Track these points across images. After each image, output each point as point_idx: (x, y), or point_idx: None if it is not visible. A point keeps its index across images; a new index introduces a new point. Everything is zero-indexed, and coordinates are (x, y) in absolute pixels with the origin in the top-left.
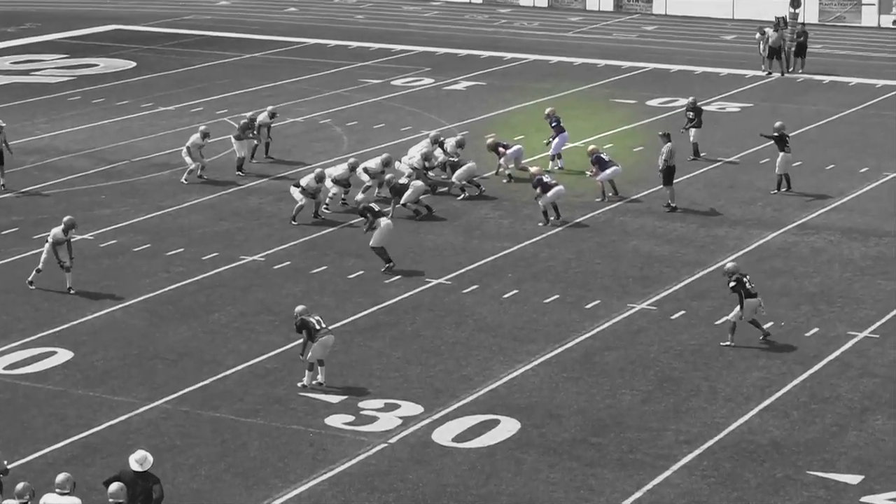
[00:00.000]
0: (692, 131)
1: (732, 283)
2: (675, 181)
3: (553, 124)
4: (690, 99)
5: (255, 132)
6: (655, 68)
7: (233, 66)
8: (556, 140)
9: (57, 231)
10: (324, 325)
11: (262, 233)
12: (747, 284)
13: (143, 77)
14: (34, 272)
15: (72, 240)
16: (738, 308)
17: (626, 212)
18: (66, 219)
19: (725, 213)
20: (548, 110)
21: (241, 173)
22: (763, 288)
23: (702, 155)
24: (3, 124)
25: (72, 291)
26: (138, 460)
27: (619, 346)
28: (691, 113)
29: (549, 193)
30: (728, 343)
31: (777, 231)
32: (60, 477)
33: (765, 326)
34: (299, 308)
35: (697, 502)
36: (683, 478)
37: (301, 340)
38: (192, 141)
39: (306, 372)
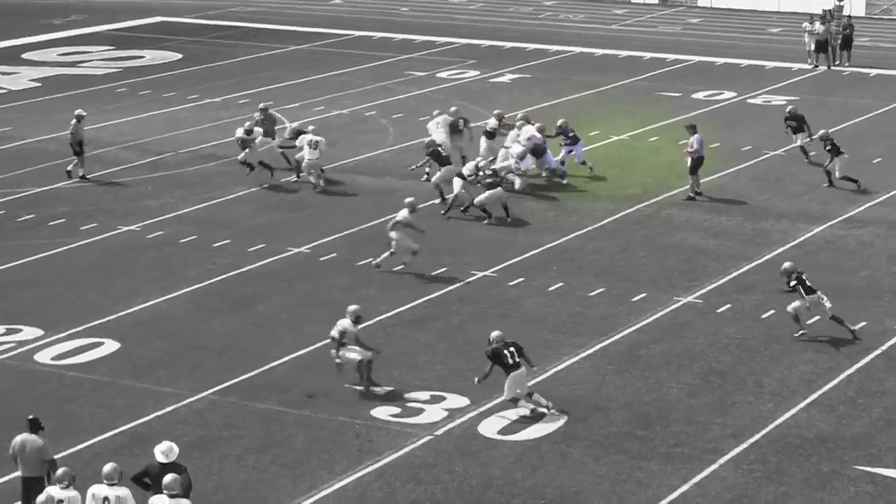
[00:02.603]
0: (796, 136)
1: (793, 283)
2: (699, 174)
3: (570, 133)
4: (790, 108)
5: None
6: (700, 61)
7: (278, 58)
8: (577, 148)
9: None
10: (517, 360)
11: (307, 224)
12: (807, 282)
13: (189, 69)
14: None
15: None
16: (799, 301)
17: (672, 205)
18: None
19: (772, 207)
20: (560, 122)
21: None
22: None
23: (810, 155)
24: (84, 114)
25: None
26: (164, 452)
27: (665, 339)
28: (792, 122)
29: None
30: (800, 333)
31: (824, 224)
32: (107, 467)
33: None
34: (495, 334)
35: (744, 496)
36: (730, 471)
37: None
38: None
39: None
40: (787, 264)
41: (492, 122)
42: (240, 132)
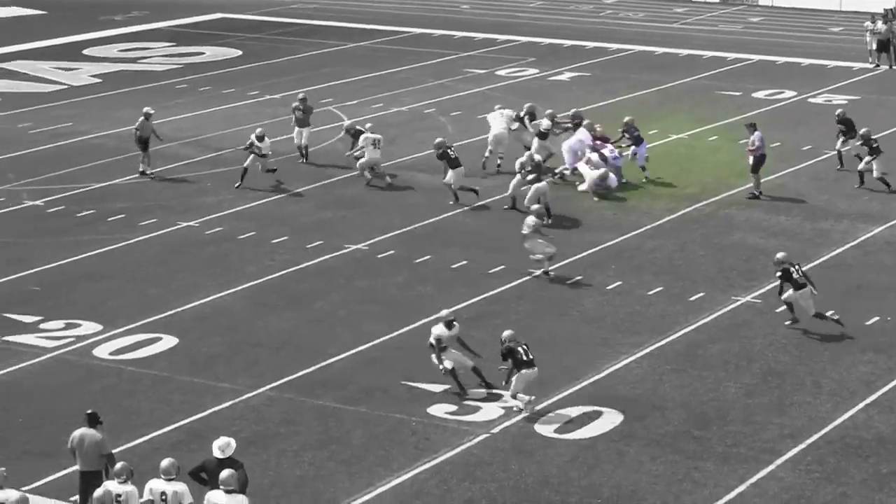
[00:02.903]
0: (845, 141)
1: (778, 273)
2: (761, 172)
3: (635, 133)
4: (839, 111)
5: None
6: (761, 60)
7: (338, 55)
8: (640, 149)
9: None
10: (531, 357)
11: (365, 221)
12: (794, 275)
13: (249, 65)
14: None
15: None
16: (788, 292)
17: (731, 204)
18: None
19: (832, 207)
20: (626, 119)
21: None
22: (869, 282)
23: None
24: (152, 111)
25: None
26: (221, 447)
27: (723, 338)
28: (843, 126)
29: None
30: (790, 322)
31: (884, 225)
32: (165, 462)
33: (831, 316)
34: (507, 333)
35: (801, 497)
36: (787, 472)
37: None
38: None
39: (518, 398)
40: (780, 254)
41: (545, 123)
42: (252, 137)
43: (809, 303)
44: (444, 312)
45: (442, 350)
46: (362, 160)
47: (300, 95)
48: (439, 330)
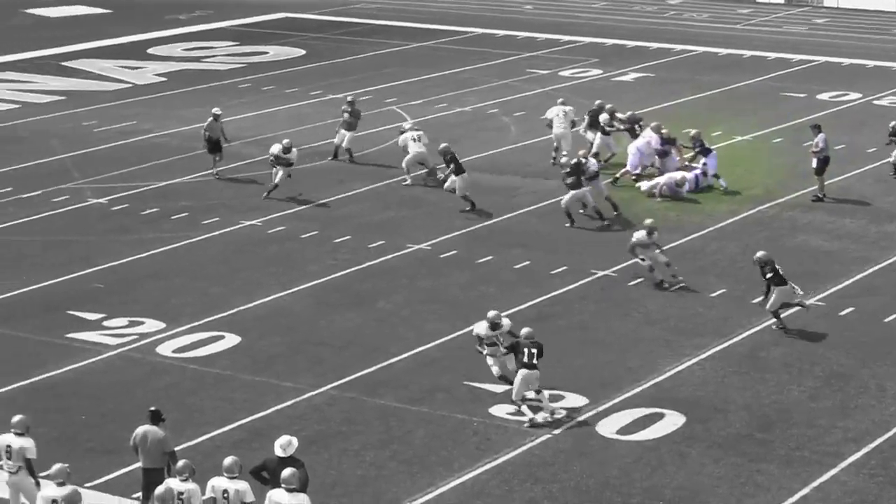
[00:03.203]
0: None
1: (769, 275)
2: (825, 174)
3: (697, 148)
4: (893, 123)
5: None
6: (826, 62)
7: (401, 55)
8: (710, 160)
9: None
10: (534, 361)
11: (428, 221)
12: (779, 272)
13: (312, 65)
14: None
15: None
16: (772, 296)
17: (794, 206)
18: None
19: None
20: (693, 133)
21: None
22: None
23: None
24: (220, 112)
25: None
26: (282, 445)
27: (786, 341)
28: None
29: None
30: (778, 326)
31: None
32: (228, 460)
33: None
34: (525, 330)
35: (864, 501)
36: (851, 476)
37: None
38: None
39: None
40: (760, 253)
41: (603, 117)
42: (276, 149)
43: (795, 297)
44: (491, 314)
45: (489, 345)
46: (407, 157)
47: (348, 98)
48: (481, 328)
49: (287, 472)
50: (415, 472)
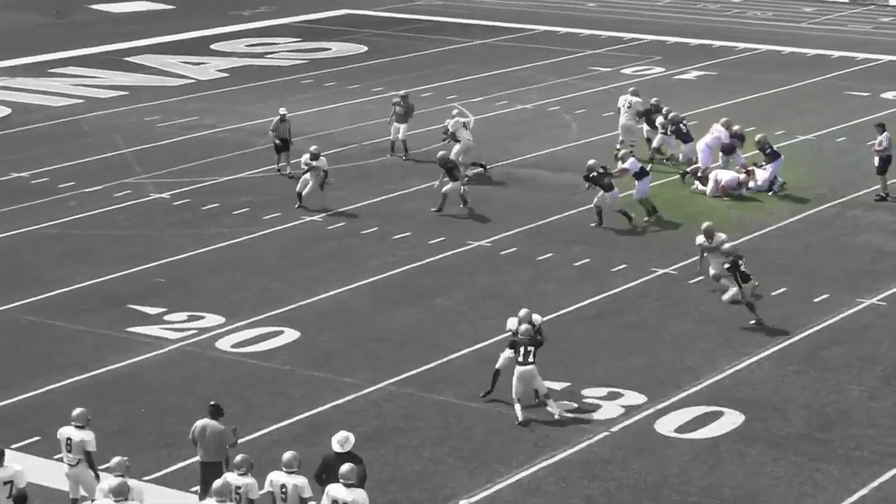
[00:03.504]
0: None
1: (727, 265)
2: (888, 173)
3: (767, 151)
4: None
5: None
6: (891, 60)
7: (462, 52)
8: (775, 165)
9: None
10: (529, 359)
11: (488, 218)
12: (742, 267)
13: (374, 61)
14: None
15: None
16: (735, 288)
17: (857, 205)
18: None
19: None
20: (758, 137)
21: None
22: None
23: None
24: (286, 112)
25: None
26: (340, 441)
27: (847, 341)
28: None
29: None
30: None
31: None
32: (287, 455)
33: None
34: (523, 328)
35: None
36: None
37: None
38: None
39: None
40: (727, 245)
41: (659, 119)
42: (305, 158)
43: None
44: (522, 312)
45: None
46: (456, 148)
47: (401, 92)
48: (513, 323)
49: (346, 467)
50: (472, 468)
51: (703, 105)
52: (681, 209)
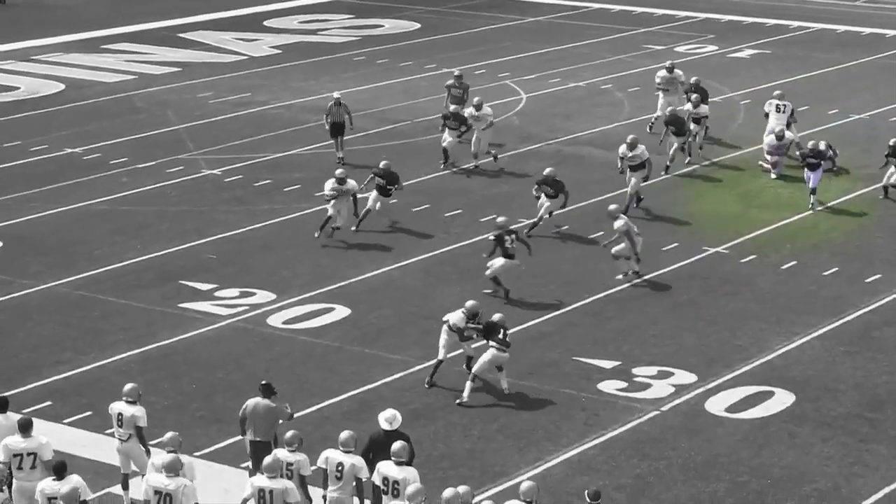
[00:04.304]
0: None
1: (492, 237)
2: None
3: (830, 154)
4: None
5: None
6: None
7: (516, 29)
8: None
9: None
10: (507, 343)
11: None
12: (507, 243)
13: (427, 38)
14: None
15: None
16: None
17: None
18: None
19: None
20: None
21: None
22: None
23: None
24: (340, 96)
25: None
26: (388, 419)
27: None
28: None
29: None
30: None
31: None
32: (345, 434)
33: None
34: (497, 316)
35: None
36: None
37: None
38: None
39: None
40: (500, 219)
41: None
42: (329, 185)
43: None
44: (470, 303)
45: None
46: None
47: (455, 73)
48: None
49: (397, 444)
50: (522, 446)
51: (756, 84)
52: (734, 188)
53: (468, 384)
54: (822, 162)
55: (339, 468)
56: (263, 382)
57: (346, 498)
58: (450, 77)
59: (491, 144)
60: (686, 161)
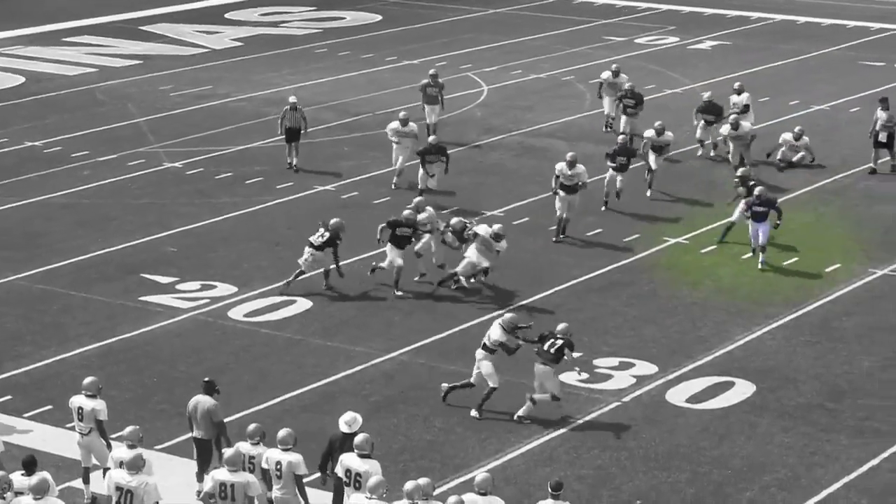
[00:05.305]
0: None
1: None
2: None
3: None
4: None
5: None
6: None
7: (478, 21)
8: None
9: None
10: (549, 355)
11: (502, 188)
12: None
13: (389, 30)
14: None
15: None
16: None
17: (869, 176)
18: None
19: None
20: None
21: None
22: None
23: None
24: (296, 100)
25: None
26: (347, 422)
27: (859, 311)
28: None
29: None
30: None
31: None
32: (283, 432)
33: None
34: (561, 327)
35: None
36: None
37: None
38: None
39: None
40: (454, 220)
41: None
42: (311, 251)
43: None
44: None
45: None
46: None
47: (430, 72)
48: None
49: (360, 437)
50: (483, 437)
51: (717, 75)
52: (694, 178)
53: (528, 403)
54: (772, 210)
55: (278, 466)
56: (206, 379)
57: (290, 498)
58: (414, 70)
59: (442, 142)
60: (648, 194)
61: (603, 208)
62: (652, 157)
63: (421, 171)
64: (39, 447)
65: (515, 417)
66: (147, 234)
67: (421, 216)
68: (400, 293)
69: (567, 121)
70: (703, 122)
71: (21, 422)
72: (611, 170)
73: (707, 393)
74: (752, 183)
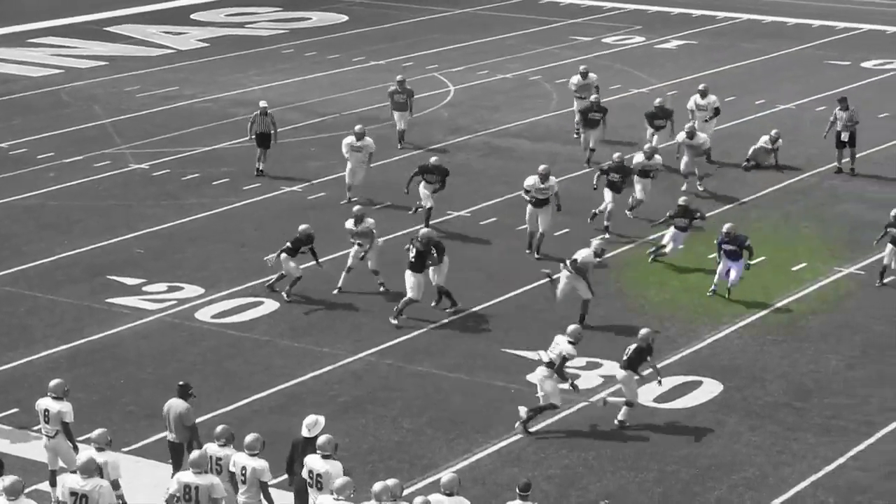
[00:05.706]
0: None
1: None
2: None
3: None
4: None
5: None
6: (871, 29)
7: (444, 21)
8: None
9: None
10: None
11: (469, 188)
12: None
13: (355, 31)
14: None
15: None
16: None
17: (835, 175)
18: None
19: None
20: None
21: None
22: None
23: None
24: (267, 105)
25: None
26: (308, 425)
27: (826, 310)
28: None
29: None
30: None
31: None
32: (249, 438)
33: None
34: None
35: None
36: (889, 444)
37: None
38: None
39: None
40: (424, 230)
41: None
42: (286, 256)
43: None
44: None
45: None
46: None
47: (398, 78)
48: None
49: (323, 438)
50: (451, 438)
51: (683, 74)
52: (660, 180)
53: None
54: (743, 249)
55: (243, 471)
56: (180, 383)
57: (254, 503)
58: (381, 70)
59: (411, 143)
60: (628, 213)
61: (589, 220)
62: (638, 188)
63: (422, 188)
64: (5, 450)
65: (616, 422)
66: (114, 236)
67: (361, 226)
68: (383, 289)
69: (533, 121)
70: (651, 129)
71: None
72: (607, 188)
73: (674, 392)
74: (698, 215)
